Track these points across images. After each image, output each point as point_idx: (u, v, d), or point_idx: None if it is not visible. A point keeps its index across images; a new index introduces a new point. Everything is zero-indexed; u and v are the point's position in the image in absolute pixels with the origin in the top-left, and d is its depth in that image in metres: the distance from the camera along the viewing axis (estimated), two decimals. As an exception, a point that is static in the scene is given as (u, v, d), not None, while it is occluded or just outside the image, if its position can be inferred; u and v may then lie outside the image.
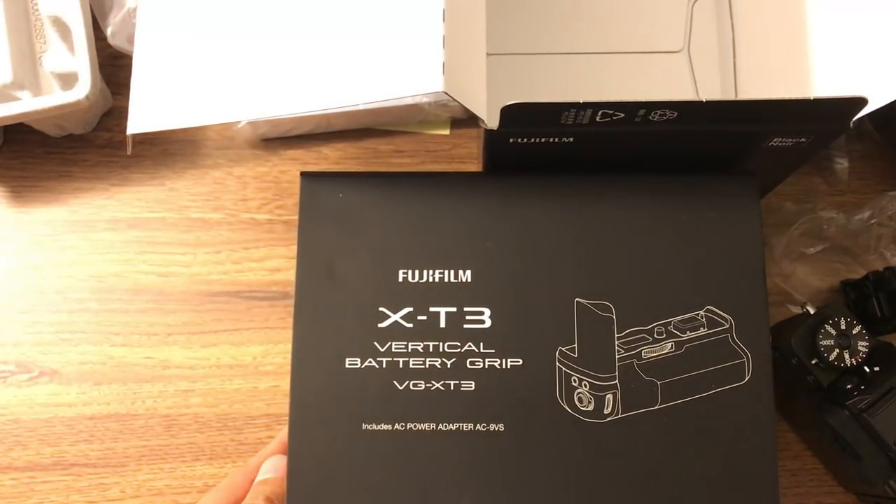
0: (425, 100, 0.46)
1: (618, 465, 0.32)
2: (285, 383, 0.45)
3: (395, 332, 0.32)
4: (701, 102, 0.30)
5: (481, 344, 0.32)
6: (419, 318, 0.33)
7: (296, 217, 0.47)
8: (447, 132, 0.49)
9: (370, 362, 0.32)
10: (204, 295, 0.46)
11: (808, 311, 0.39)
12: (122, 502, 0.44)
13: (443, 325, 0.32)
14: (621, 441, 0.32)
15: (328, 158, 0.48)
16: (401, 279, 0.33)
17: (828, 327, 0.38)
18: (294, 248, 0.47)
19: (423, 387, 0.32)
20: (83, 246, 0.47)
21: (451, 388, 0.32)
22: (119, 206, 0.48)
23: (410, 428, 0.32)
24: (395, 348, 0.32)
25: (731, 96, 0.46)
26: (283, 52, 0.33)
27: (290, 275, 0.47)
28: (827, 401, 0.38)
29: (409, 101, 0.46)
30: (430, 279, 0.33)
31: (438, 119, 0.48)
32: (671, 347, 0.33)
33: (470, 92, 0.31)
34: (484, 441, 0.32)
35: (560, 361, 0.32)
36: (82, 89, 0.42)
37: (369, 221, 0.34)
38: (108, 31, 0.45)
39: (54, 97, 0.43)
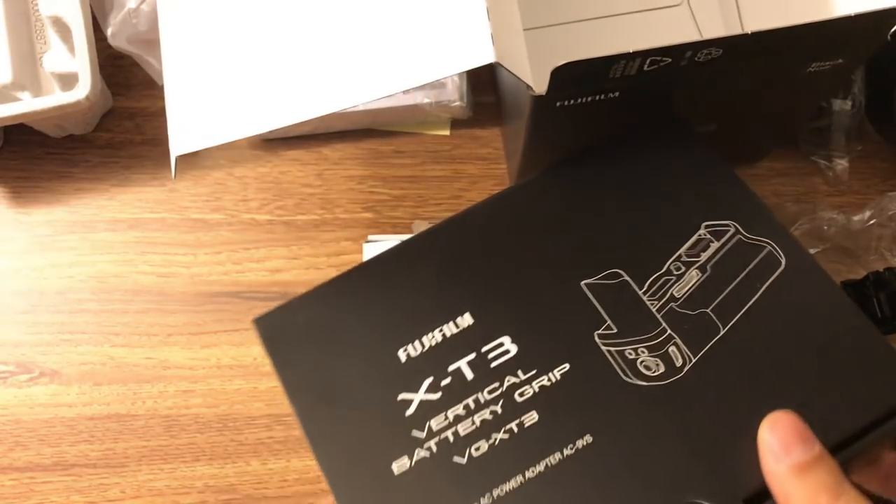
0: (426, 100, 0.46)
1: (718, 404, 0.29)
2: (285, 384, 0.46)
3: (427, 410, 0.30)
4: (746, 35, 0.30)
5: (519, 371, 0.30)
6: (443, 383, 0.30)
7: (296, 217, 0.47)
8: (447, 132, 0.49)
9: (419, 454, 0.29)
10: (204, 295, 0.46)
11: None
12: (122, 503, 0.44)
13: (470, 376, 0.30)
14: (710, 381, 0.30)
15: (328, 159, 0.48)
16: (403, 359, 0.30)
17: None
18: (295, 249, 0.47)
19: (487, 446, 0.29)
20: (84, 247, 0.47)
21: (516, 430, 0.29)
22: (119, 207, 0.48)
23: (498, 495, 0.28)
24: (437, 427, 0.29)
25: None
26: (320, 46, 0.32)
27: (291, 275, 0.47)
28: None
29: (410, 101, 0.46)
30: (433, 342, 0.31)
31: (439, 119, 0.48)
32: (697, 275, 0.32)
33: (516, 62, 0.31)
34: (579, 461, 0.28)
35: (604, 345, 0.30)
36: (82, 90, 0.42)
37: (341, 328, 0.31)
38: (108, 32, 0.45)
39: (54, 97, 0.43)
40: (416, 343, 0.30)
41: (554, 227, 0.33)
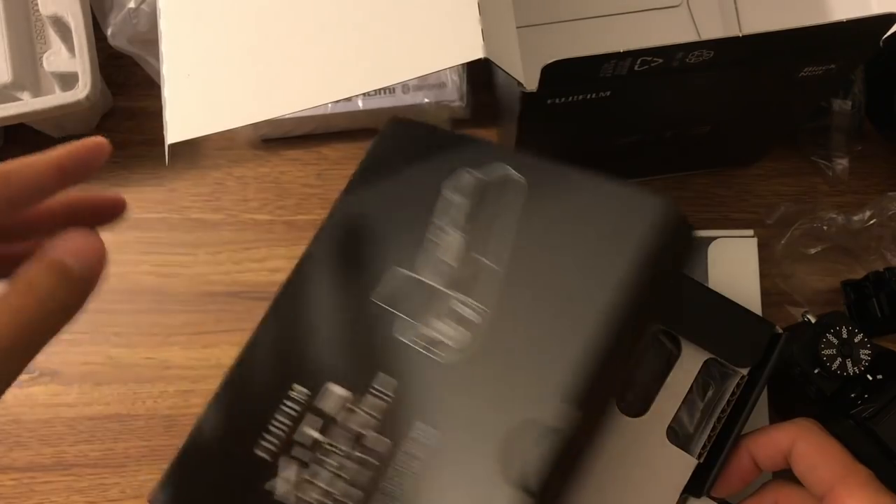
0: (426, 100, 0.46)
1: (533, 331, 0.29)
2: (286, 384, 0.46)
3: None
4: (737, 38, 0.30)
5: (350, 406, 0.31)
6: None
7: (296, 217, 0.47)
8: (447, 132, 0.49)
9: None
10: (204, 295, 0.46)
11: (808, 319, 0.39)
12: (122, 503, 0.44)
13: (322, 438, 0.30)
14: (516, 320, 0.30)
15: (328, 159, 0.48)
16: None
17: (829, 336, 0.37)
18: (295, 249, 0.47)
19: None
20: (83, 246, 0.47)
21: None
22: (119, 207, 0.47)
23: None
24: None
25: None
26: (315, 39, 0.32)
27: (291, 275, 0.47)
28: (831, 410, 0.38)
29: (410, 101, 0.46)
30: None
31: (439, 120, 0.48)
32: (460, 235, 0.32)
33: (508, 59, 0.31)
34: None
35: (405, 338, 0.31)
36: (82, 90, 0.42)
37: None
38: (108, 32, 0.45)
39: (54, 97, 0.43)
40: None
41: (329, 248, 0.34)
